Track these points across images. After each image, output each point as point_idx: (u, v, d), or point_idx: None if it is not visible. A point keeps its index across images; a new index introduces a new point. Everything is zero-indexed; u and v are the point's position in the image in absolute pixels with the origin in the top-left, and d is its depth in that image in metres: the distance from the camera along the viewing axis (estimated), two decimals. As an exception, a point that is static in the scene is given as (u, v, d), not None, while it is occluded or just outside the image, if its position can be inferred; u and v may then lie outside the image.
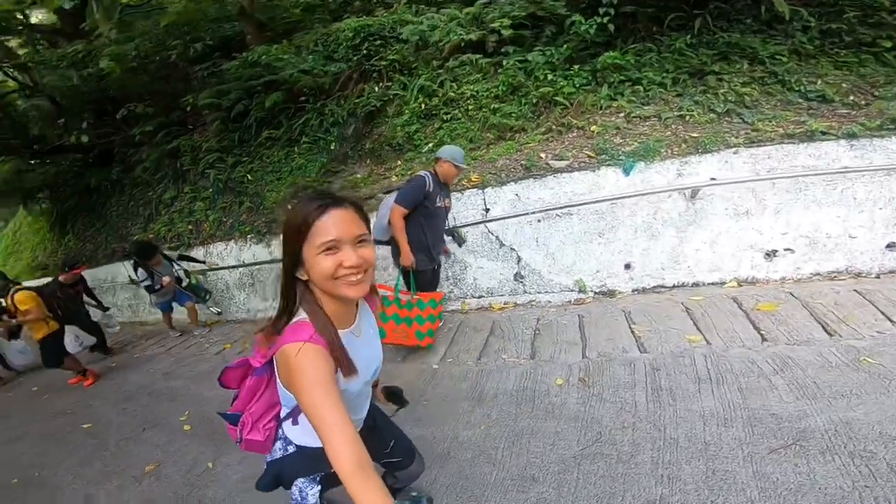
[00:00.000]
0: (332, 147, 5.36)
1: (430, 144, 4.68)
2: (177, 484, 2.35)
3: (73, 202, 9.88)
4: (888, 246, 2.85)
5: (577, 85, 4.20)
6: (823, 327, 2.47)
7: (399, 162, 4.85)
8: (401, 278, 3.17)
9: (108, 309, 5.72)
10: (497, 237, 3.79)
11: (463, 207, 3.86)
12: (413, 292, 3.11)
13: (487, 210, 3.79)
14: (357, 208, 0.97)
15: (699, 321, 2.80)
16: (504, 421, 2.25)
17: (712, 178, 3.05)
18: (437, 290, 3.40)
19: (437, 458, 2.04)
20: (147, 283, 4.82)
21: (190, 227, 6.34)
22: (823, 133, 3.00)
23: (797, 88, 3.54)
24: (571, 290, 3.49)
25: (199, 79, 6.49)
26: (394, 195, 3.07)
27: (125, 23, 6.78)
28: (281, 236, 0.99)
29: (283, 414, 1.20)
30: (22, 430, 3.56)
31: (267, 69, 5.56)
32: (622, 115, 3.87)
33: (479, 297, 3.99)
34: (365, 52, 5.42)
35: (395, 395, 1.44)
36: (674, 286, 3.29)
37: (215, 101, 6.06)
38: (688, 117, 3.54)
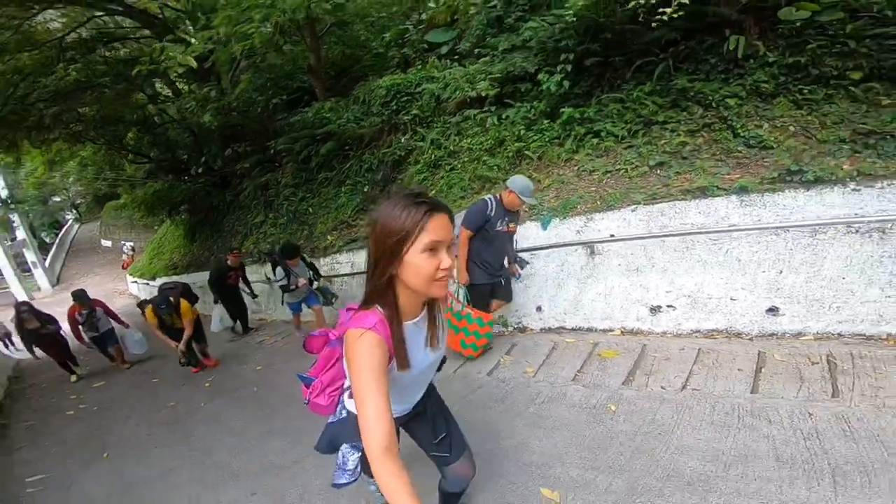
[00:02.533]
0: (366, 189, 6.99)
1: (433, 191, 5.97)
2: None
3: (201, 216, 13.28)
4: (769, 310, 3.26)
5: (548, 139, 5.10)
6: (628, 376, 3.17)
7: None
8: (460, 291, 3.75)
9: (256, 296, 7.80)
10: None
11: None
12: (462, 305, 3.70)
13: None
14: (450, 215, 1.12)
15: (549, 357, 3.73)
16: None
17: (612, 235, 3.77)
18: (503, 303, 4.13)
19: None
20: (283, 282, 5.42)
21: (268, 246, 8.57)
22: (717, 188, 3.40)
23: (742, 134, 3.85)
24: (497, 324, 4.46)
25: (281, 126, 8.68)
26: (464, 213, 3.69)
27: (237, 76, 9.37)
28: (375, 235, 1.11)
29: (345, 385, 1.46)
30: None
31: (322, 122, 7.43)
32: (576, 168, 4.71)
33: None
34: (394, 106, 6.93)
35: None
36: (573, 329, 4.07)
37: (289, 146, 8.18)
38: (622, 171, 4.27)
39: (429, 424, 1.56)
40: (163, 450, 3.85)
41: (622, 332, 3.84)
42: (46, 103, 9.71)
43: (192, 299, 5.81)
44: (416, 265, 1.07)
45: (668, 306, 3.64)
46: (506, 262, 3.91)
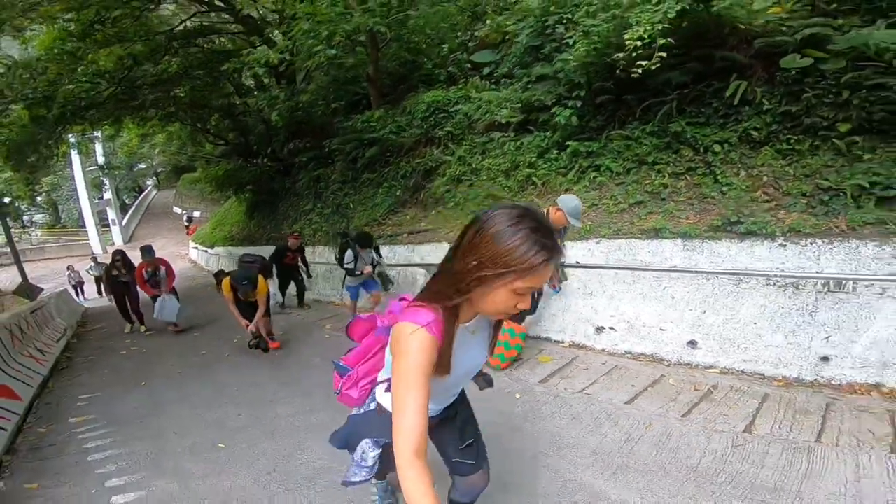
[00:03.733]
0: (398, 193, 7.95)
1: (452, 203, 6.79)
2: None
3: (262, 198, 14.87)
4: (689, 343, 3.74)
5: (555, 168, 5.77)
6: (547, 376, 3.82)
7: (433, 212, 7.11)
8: None
9: (311, 276, 8.42)
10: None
11: (437, 254, 5.93)
12: None
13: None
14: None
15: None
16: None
17: (577, 262, 4.41)
18: (533, 315, 4.29)
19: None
20: (351, 265, 5.65)
21: (312, 231, 9.76)
22: (668, 231, 3.93)
23: (720, 181, 4.30)
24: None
25: (338, 127, 9.86)
26: None
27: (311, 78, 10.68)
28: (479, 248, 1.03)
29: (380, 377, 1.44)
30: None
31: (370, 128, 8.48)
32: (568, 201, 5.36)
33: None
34: (432, 121, 7.84)
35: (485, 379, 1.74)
36: (536, 337, 4.69)
37: (341, 147, 9.33)
38: (605, 205, 4.86)
39: (458, 429, 1.56)
40: (189, 383, 4.97)
41: (570, 344, 4.44)
42: (150, 88, 11.58)
43: (268, 275, 5.93)
44: (500, 299, 1.06)
45: (610, 328, 4.23)
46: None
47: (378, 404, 1.42)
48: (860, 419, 2.67)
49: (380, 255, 6.04)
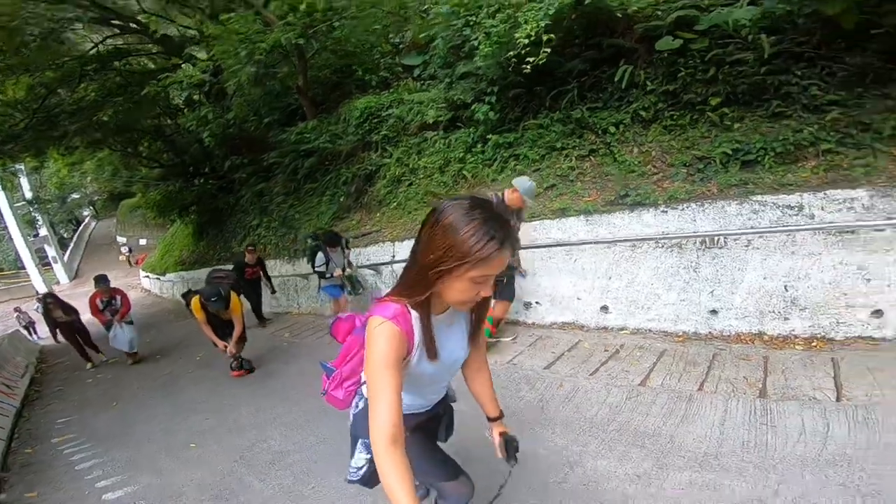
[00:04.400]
0: (342, 200, 8.24)
1: (394, 204, 7.17)
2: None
3: (208, 217, 14.75)
4: (601, 308, 4.30)
5: (481, 161, 6.24)
6: None
7: (377, 214, 7.47)
8: None
9: (275, 291, 8.37)
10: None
11: (383, 254, 6.33)
12: None
13: (394, 256, 6.20)
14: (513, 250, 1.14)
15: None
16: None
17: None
18: (507, 303, 4.33)
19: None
20: (322, 268, 5.74)
21: (262, 246, 9.92)
22: (572, 209, 4.49)
23: (619, 159, 4.86)
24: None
25: (275, 141, 9.99)
26: None
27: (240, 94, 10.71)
28: (435, 240, 1.09)
29: (363, 379, 1.46)
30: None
31: (305, 140, 8.70)
32: (498, 187, 5.84)
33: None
34: (367, 126, 8.16)
35: (507, 444, 1.51)
36: None
37: (279, 160, 9.50)
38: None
39: (443, 427, 1.62)
40: (157, 399, 5.28)
41: (505, 322, 4.95)
42: (70, 116, 11.30)
43: (240, 291, 5.73)
44: (460, 289, 1.10)
45: (536, 303, 4.76)
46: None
47: (366, 400, 1.44)
48: (738, 367, 3.17)
49: (348, 249, 6.18)
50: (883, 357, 2.90)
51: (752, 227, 3.53)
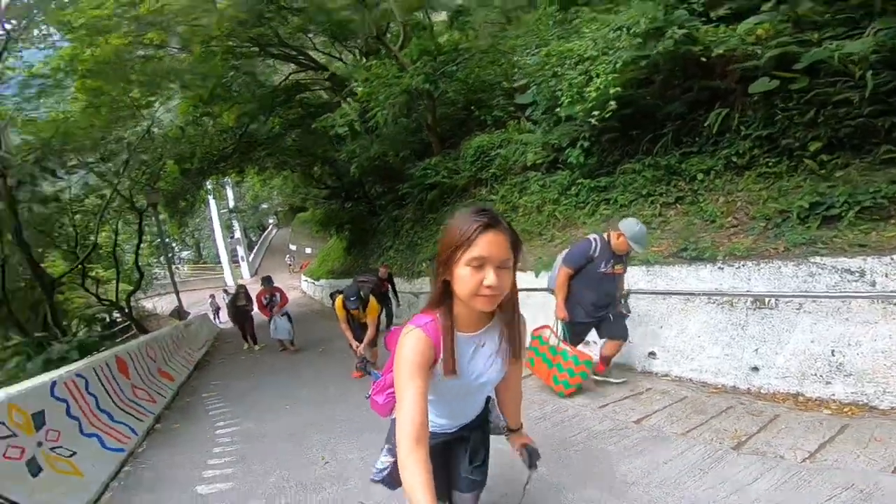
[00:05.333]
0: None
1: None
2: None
3: (357, 235, 17.22)
4: (649, 354, 4.39)
5: (574, 204, 6.66)
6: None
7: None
8: (560, 327, 4.00)
9: (399, 305, 9.45)
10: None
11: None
12: (559, 340, 3.93)
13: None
14: (511, 235, 1.20)
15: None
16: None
17: (546, 288, 5.23)
18: (619, 341, 4.11)
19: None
20: None
21: (390, 264, 11.48)
22: (634, 259, 4.47)
23: (703, 208, 4.89)
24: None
25: (407, 174, 11.57)
26: (566, 251, 3.99)
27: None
28: (440, 241, 1.24)
29: None
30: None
31: (429, 174, 10.01)
32: (584, 231, 6.20)
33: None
34: (480, 164, 9.12)
35: (530, 454, 1.59)
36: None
37: (410, 190, 11.02)
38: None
39: (467, 451, 1.62)
40: (279, 376, 6.82)
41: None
42: (262, 144, 14.60)
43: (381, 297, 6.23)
44: (462, 276, 1.17)
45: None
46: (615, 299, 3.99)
47: None
48: (740, 420, 3.18)
49: None
50: None
51: (805, 291, 3.48)
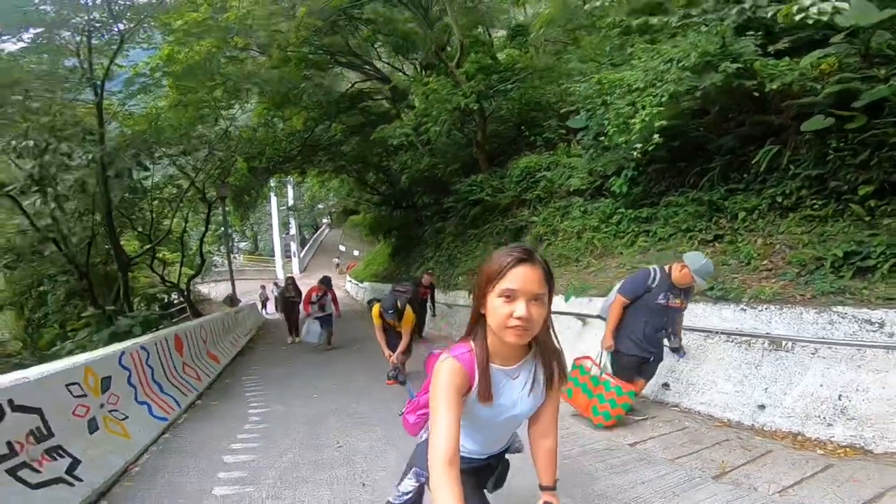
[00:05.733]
0: (492, 248, 9.50)
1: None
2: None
3: (403, 242, 17.81)
4: (663, 385, 4.44)
5: (613, 233, 6.76)
6: None
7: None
8: (603, 357, 3.95)
9: (434, 315, 9.59)
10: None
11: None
12: (602, 371, 3.86)
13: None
14: (545, 270, 1.24)
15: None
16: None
17: (598, 315, 5.38)
18: (643, 381, 4.02)
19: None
20: None
21: (425, 275, 11.87)
22: None
23: (741, 248, 4.85)
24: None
25: (453, 189, 11.94)
26: (624, 280, 3.94)
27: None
28: (478, 272, 1.31)
29: None
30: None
31: (474, 191, 10.33)
32: (618, 261, 6.30)
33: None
34: (525, 185, 9.34)
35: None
36: None
37: (454, 205, 11.40)
38: (639, 268, 5.70)
39: (494, 478, 1.71)
40: (315, 367, 7.38)
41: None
42: (323, 150, 15.53)
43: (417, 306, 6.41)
44: (494, 308, 1.23)
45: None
46: (667, 340, 3.88)
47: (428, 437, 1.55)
48: (731, 452, 3.27)
49: None
50: (886, 472, 2.78)
51: (823, 338, 3.51)
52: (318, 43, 12.53)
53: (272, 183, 20.34)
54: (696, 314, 4.43)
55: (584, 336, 5.55)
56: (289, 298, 10.30)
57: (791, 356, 3.68)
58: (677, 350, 3.90)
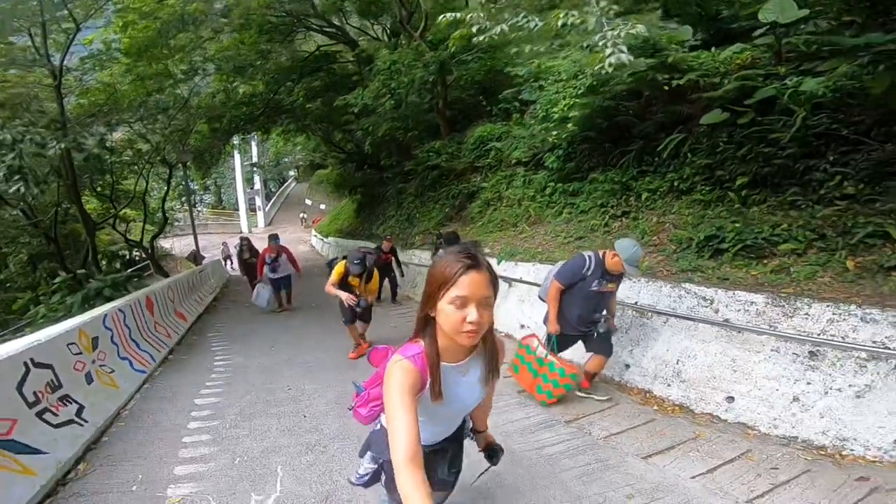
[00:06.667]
0: (447, 210, 10.43)
1: (480, 223, 9.03)
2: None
3: (367, 200, 18.50)
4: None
5: (545, 203, 7.70)
6: None
7: (469, 228, 9.39)
8: (550, 339, 4.21)
9: (403, 275, 9.65)
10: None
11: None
12: (547, 352, 4.14)
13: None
14: (491, 274, 1.34)
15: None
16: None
17: (520, 278, 6.35)
18: (602, 358, 4.27)
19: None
20: None
21: (386, 233, 12.74)
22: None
23: (640, 225, 5.83)
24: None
25: (414, 152, 12.60)
26: (559, 266, 4.19)
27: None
28: (427, 277, 1.38)
29: None
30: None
31: (432, 156, 11.08)
32: (545, 229, 7.28)
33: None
34: (478, 152, 10.15)
35: (491, 454, 1.89)
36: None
37: (413, 168, 12.13)
38: (560, 238, 6.68)
39: (447, 460, 1.85)
40: (274, 324, 8.23)
41: (506, 335, 6.30)
42: (286, 113, 15.91)
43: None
44: (446, 313, 1.31)
45: (526, 325, 6.08)
46: (602, 316, 4.19)
47: (381, 426, 1.74)
48: (590, 403, 4.21)
49: None
50: (689, 428, 3.69)
51: (672, 310, 4.49)
52: (281, 8, 12.68)
53: (235, 141, 20.53)
54: (592, 283, 5.43)
55: (509, 297, 6.58)
56: (245, 260, 10.54)
57: (650, 323, 4.70)
58: (608, 331, 4.25)
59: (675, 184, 5.86)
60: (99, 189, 13.14)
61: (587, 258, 3.92)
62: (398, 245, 11.63)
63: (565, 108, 6.01)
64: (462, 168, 10.51)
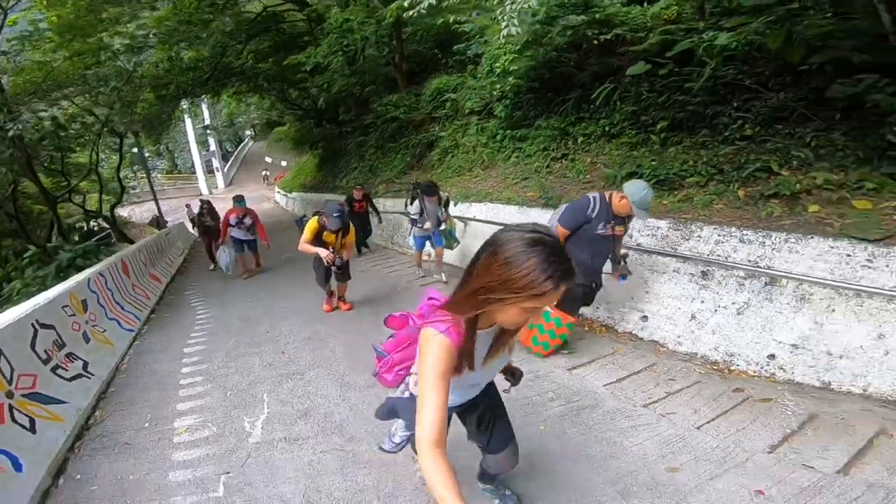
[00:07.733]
0: (408, 160, 11.01)
1: (440, 169, 9.67)
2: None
3: (329, 154, 18.83)
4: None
5: (496, 149, 8.37)
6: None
7: (431, 175, 9.96)
8: None
9: (381, 221, 9.50)
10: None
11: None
12: None
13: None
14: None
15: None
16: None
17: (474, 217, 7.05)
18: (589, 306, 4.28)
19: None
20: (416, 216, 6.43)
21: (353, 186, 13.24)
22: (511, 200, 6.42)
23: (577, 166, 6.57)
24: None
25: (373, 106, 12.99)
26: (563, 208, 3.90)
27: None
28: (494, 268, 1.22)
29: (414, 369, 1.79)
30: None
31: (390, 109, 11.53)
32: (497, 172, 8.00)
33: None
34: (435, 103, 10.66)
35: (514, 373, 1.97)
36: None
37: (373, 121, 12.56)
38: (508, 179, 7.42)
39: (476, 416, 1.94)
40: (249, 283, 8.76)
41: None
42: (236, 76, 15.97)
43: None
44: (511, 315, 1.28)
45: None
46: (608, 266, 4.07)
47: (411, 394, 1.78)
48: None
49: (447, 209, 6.56)
50: (610, 345, 4.35)
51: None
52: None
53: (184, 105, 20.29)
54: (532, 216, 6.14)
55: (466, 235, 7.36)
56: (205, 223, 9.90)
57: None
58: (624, 276, 4.09)
59: (607, 129, 6.58)
60: (46, 165, 13.17)
61: (591, 199, 3.73)
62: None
63: (506, 63, 6.58)
64: (421, 119, 11.02)
